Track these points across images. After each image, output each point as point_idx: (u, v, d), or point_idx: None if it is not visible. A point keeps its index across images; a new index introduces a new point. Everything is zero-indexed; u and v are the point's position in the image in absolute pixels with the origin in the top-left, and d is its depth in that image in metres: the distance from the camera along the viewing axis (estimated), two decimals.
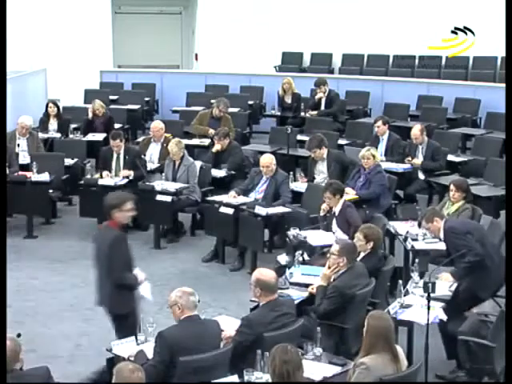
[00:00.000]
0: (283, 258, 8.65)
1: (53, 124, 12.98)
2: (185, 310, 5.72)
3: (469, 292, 7.23)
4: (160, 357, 5.57)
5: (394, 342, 5.39)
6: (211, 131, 12.45)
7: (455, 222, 7.80)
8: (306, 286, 7.22)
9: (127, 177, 10.68)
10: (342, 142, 12.73)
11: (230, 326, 6.29)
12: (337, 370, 5.82)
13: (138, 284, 6.65)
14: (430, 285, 5.85)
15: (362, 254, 7.37)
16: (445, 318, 6.67)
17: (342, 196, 8.75)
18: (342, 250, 6.94)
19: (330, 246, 7.41)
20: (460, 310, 7.08)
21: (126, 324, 6.51)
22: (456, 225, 7.62)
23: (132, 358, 5.77)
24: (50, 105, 13.04)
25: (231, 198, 9.84)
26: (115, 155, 10.82)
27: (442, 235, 7.63)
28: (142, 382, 4.82)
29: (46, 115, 13.05)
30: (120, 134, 11.17)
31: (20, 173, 10.88)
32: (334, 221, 8.69)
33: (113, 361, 5.95)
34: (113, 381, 4.82)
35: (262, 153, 11.20)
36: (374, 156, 9.99)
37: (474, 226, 7.73)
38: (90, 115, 13.17)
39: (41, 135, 12.36)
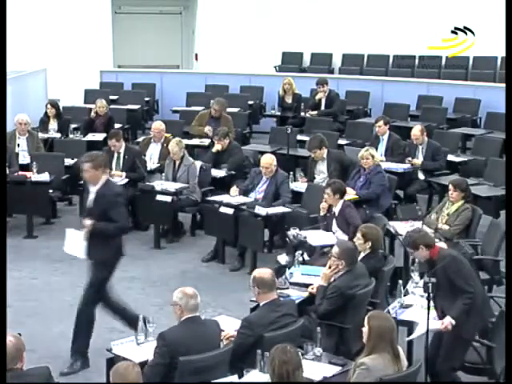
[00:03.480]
0: (283, 258, 8.66)
1: (53, 124, 12.96)
2: (184, 312, 5.73)
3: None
4: (160, 358, 5.58)
5: (396, 341, 5.40)
6: (207, 128, 12.47)
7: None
8: (306, 286, 7.21)
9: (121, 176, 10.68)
10: (342, 142, 12.72)
11: (230, 326, 6.30)
12: (337, 369, 5.81)
13: None
14: (429, 285, 5.84)
15: (362, 254, 7.36)
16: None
17: (341, 197, 8.74)
18: (342, 253, 6.91)
19: (330, 246, 7.40)
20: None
21: None
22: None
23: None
24: (49, 106, 13.01)
25: (234, 192, 9.86)
26: (115, 155, 10.81)
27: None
28: (138, 380, 4.80)
29: (46, 115, 13.03)
30: (117, 133, 11.12)
31: (20, 173, 10.87)
32: (334, 221, 8.69)
33: (113, 361, 5.94)
34: (111, 381, 4.82)
35: (262, 153, 11.20)
36: (372, 156, 9.98)
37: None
38: (93, 114, 13.17)
39: (41, 135, 12.34)
